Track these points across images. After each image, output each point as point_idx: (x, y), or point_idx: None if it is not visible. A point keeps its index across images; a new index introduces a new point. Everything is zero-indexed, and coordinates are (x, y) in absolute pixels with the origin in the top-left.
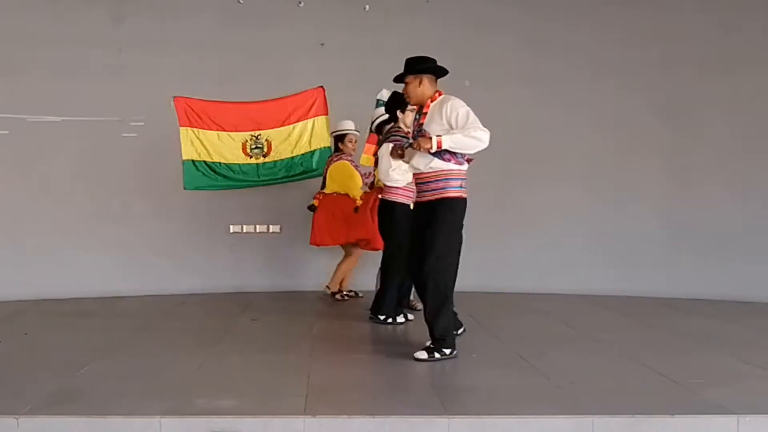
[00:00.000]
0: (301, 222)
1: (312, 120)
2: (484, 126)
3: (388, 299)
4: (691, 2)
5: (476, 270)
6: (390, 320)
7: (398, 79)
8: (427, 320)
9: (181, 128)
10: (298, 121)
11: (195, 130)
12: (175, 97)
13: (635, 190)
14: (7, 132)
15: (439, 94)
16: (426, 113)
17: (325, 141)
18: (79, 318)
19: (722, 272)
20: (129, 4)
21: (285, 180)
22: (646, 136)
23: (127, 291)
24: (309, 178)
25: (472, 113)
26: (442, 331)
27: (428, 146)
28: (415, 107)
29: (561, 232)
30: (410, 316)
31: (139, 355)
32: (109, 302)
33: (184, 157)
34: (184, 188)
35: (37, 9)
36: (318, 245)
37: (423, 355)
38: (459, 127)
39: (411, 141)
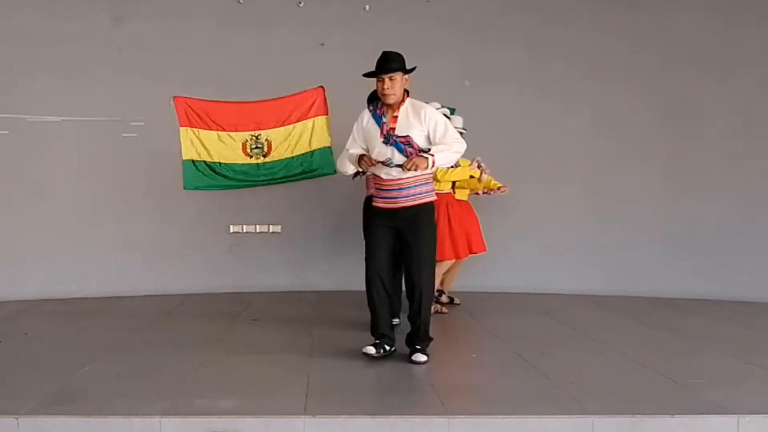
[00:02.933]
0: (301, 222)
1: (312, 120)
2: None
3: None
4: (692, 2)
5: (476, 270)
6: None
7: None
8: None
9: (181, 128)
10: (298, 121)
11: (195, 130)
12: (175, 97)
13: (635, 190)
14: (7, 132)
15: (407, 96)
16: (396, 116)
17: (326, 141)
18: (79, 318)
19: (722, 272)
20: (129, 4)
21: (284, 180)
22: (646, 137)
23: (127, 291)
24: (309, 178)
25: (448, 122)
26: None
27: (425, 166)
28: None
29: (561, 232)
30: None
31: (139, 355)
32: (109, 302)
33: (184, 157)
34: (184, 188)
35: (37, 9)
36: None
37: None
38: (439, 138)
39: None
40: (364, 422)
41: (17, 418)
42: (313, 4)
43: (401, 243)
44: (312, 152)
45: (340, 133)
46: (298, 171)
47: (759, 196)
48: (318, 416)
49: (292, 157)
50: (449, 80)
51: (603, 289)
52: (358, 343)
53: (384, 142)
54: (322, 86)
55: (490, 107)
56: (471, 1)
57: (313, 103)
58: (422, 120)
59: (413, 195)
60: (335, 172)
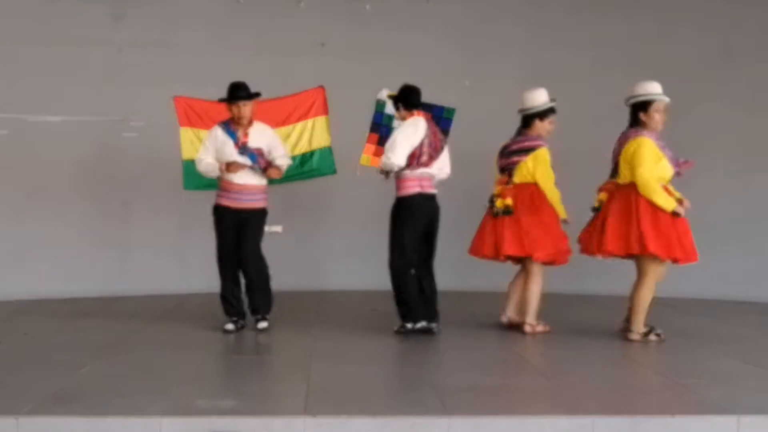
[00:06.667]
0: (301, 222)
1: (312, 120)
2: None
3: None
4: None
5: (477, 270)
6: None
7: None
8: None
9: (181, 128)
10: (298, 121)
11: (195, 130)
12: (175, 97)
13: None
14: (7, 132)
15: None
16: None
17: (325, 141)
18: (79, 318)
19: (722, 272)
20: (129, 4)
21: (284, 180)
22: None
23: (127, 291)
24: (308, 178)
25: None
26: None
27: None
28: None
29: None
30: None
31: (139, 355)
32: (109, 302)
33: (184, 157)
34: (184, 188)
35: (37, 8)
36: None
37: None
38: None
39: None
40: (364, 422)
41: (17, 418)
42: (313, 4)
43: None
44: (312, 152)
45: (340, 133)
46: (297, 171)
47: (759, 195)
48: (318, 416)
49: (292, 157)
50: (450, 80)
51: (603, 289)
52: (358, 343)
53: None
54: (322, 86)
55: (491, 106)
56: (471, 1)
57: (313, 103)
58: None
59: None
60: (335, 172)
